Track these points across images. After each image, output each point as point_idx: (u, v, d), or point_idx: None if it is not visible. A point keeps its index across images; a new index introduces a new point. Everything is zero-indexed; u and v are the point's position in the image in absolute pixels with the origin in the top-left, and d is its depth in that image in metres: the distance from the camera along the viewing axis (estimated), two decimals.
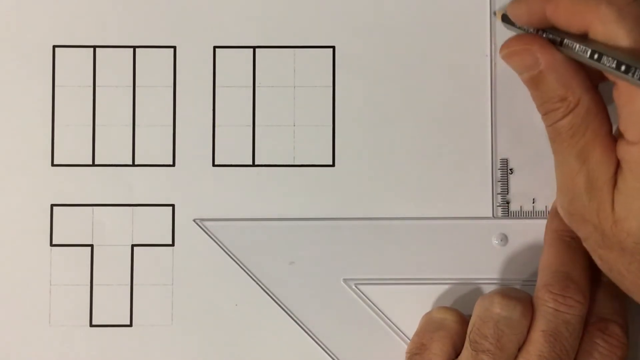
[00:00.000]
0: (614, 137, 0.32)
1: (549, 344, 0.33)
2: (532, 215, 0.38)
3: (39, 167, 0.39)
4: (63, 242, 0.38)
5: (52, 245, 0.38)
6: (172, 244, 0.38)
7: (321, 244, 0.38)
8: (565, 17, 0.31)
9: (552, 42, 0.32)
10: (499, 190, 0.38)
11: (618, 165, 0.31)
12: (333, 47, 0.39)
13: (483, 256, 0.38)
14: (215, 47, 0.39)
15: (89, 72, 0.39)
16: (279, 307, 0.38)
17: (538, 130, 0.37)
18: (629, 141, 0.30)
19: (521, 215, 0.38)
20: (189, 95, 0.39)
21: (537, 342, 0.33)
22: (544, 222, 0.37)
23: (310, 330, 0.38)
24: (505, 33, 0.38)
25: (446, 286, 0.38)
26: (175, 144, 0.39)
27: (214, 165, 0.39)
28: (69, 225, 0.38)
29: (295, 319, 0.38)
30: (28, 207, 0.38)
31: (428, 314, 0.37)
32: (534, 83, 0.33)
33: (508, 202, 0.38)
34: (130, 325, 0.38)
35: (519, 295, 0.34)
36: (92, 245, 0.38)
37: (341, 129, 0.39)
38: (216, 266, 0.38)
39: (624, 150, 0.31)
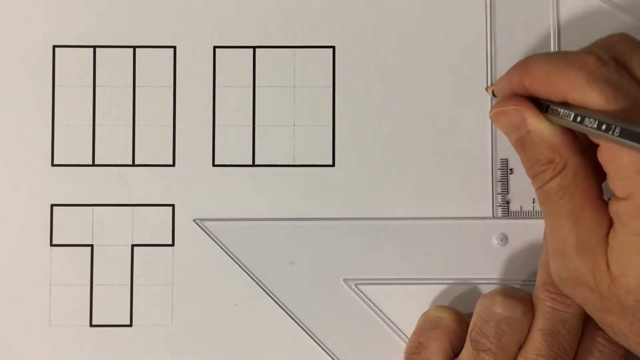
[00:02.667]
0: (604, 199, 0.32)
1: (547, 342, 0.33)
2: (532, 215, 0.38)
3: (39, 167, 0.39)
4: (63, 242, 0.38)
5: (52, 245, 0.38)
6: (172, 244, 0.38)
7: (321, 244, 0.38)
8: (543, 88, 0.32)
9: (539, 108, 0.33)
10: (499, 190, 0.38)
11: (610, 225, 0.31)
12: (333, 47, 0.39)
13: (483, 256, 0.38)
14: (215, 47, 0.39)
15: (89, 72, 0.39)
16: (279, 307, 0.38)
17: None
18: (619, 197, 0.30)
19: (521, 215, 0.38)
20: (189, 95, 0.39)
21: (536, 341, 0.33)
22: (543, 221, 0.37)
23: (310, 330, 0.38)
24: (504, 34, 0.39)
25: (446, 286, 0.38)
26: (175, 144, 0.39)
27: (214, 165, 0.39)
28: (69, 225, 0.38)
29: (295, 319, 0.38)
30: (28, 207, 0.38)
31: (425, 313, 0.37)
32: (522, 144, 0.33)
33: (508, 202, 0.38)
34: (130, 325, 0.38)
35: (521, 295, 0.34)
36: (92, 245, 0.38)
37: (341, 129, 0.39)
38: (216, 266, 0.38)
39: (615, 207, 0.31)
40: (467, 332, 0.35)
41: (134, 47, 0.39)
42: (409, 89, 0.39)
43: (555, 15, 0.38)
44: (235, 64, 0.39)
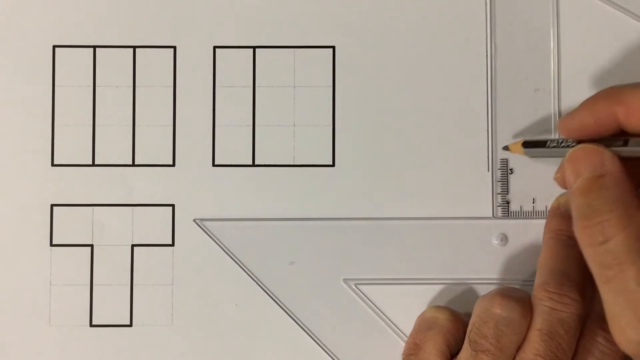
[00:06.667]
0: None
1: (545, 342, 0.33)
2: (532, 215, 0.38)
3: (39, 167, 0.39)
4: (63, 242, 0.38)
5: (52, 245, 0.38)
6: (172, 244, 0.38)
7: (321, 244, 0.38)
8: None
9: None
10: (499, 190, 0.38)
11: None
12: (333, 47, 0.39)
13: (483, 256, 0.38)
14: (215, 47, 0.39)
15: (89, 72, 0.39)
16: (279, 307, 0.38)
17: (538, 130, 0.38)
18: None
19: (521, 215, 0.38)
20: (189, 95, 0.39)
21: (534, 341, 0.33)
22: (543, 222, 0.37)
23: (310, 330, 0.38)
24: (505, 37, 0.39)
25: (446, 286, 0.38)
26: (175, 144, 0.39)
27: (214, 165, 0.39)
28: (69, 225, 0.38)
29: (295, 319, 0.38)
30: (28, 207, 0.38)
31: (421, 315, 0.37)
32: (591, 186, 0.31)
33: (508, 202, 0.38)
34: (130, 325, 0.38)
35: (519, 295, 0.34)
36: (92, 245, 0.38)
37: (341, 129, 0.39)
38: (216, 266, 0.38)
39: None
40: (463, 331, 0.35)
41: (134, 47, 0.39)
42: (409, 89, 0.39)
43: (555, 15, 0.38)
44: (235, 64, 0.39)
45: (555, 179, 0.35)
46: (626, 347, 0.31)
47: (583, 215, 0.31)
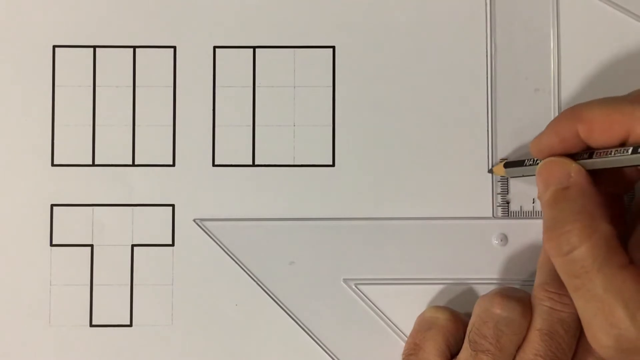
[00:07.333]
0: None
1: (545, 342, 0.33)
2: (532, 215, 0.38)
3: (39, 167, 0.39)
4: (63, 242, 0.38)
5: (52, 245, 0.38)
6: (172, 244, 0.38)
7: (321, 244, 0.38)
8: (602, 131, 0.32)
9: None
10: (499, 190, 0.38)
11: None
12: (333, 47, 0.39)
13: (483, 256, 0.38)
14: (215, 47, 0.39)
15: (89, 72, 0.39)
16: (279, 307, 0.38)
17: (538, 130, 0.38)
18: None
19: (521, 215, 0.38)
20: (189, 95, 0.39)
21: (534, 341, 0.33)
22: (543, 222, 0.37)
23: (310, 330, 0.38)
24: (505, 37, 0.39)
25: (446, 286, 0.38)
26: (175, 144, 0.39)
27: (214, 165, 0.39)
28: (69, 225, 0.39)
29: (295, 319, 0.38)
30: (28, 207, 0.38)
31: (421, 315, 0.37)
32: (557, 198, 0.32)
33: (508, 202, 0.38)
34: (130, 325, 0.38)
35: (519, 295, 0.34)
36: (92, 245, 0.38)
37: (341, 129, 0.39)
38: (216, 266, 0.38)
39: None
40: (463, 331, 0.35)
41: (134, 47, 0.39)
42: (409, 89, 0.39)
43: (555, 15, 0.38)
44: (235, 64, 0.39)
45: (539, 197, 0.36)
46: (601, 352, 0.31)
47: (550, 226, 0.32)
